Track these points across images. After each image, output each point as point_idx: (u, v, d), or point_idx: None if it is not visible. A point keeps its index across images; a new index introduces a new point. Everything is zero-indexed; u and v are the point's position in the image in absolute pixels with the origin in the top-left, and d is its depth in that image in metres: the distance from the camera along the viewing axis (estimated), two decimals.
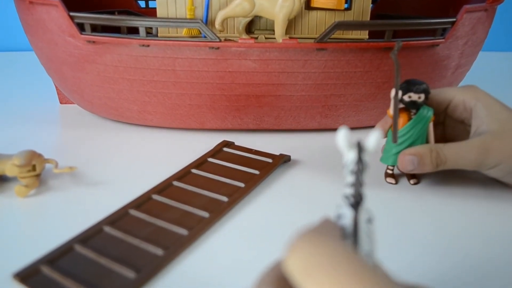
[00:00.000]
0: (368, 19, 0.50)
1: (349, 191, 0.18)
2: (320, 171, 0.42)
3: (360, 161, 0.18)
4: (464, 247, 0.31)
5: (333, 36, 0.43)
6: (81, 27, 0.44)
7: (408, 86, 0.37)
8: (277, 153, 0.44)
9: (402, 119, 0.38)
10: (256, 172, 0.40)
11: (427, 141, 0.38)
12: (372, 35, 0.50)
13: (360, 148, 0.18)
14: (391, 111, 0.37)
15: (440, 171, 0.38)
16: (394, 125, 0.35)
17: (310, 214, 0.35)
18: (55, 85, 0.58)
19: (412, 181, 0.40)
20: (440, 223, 0.34)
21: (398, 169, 0.39)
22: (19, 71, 0.77)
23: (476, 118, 0.37)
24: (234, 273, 0.29)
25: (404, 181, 0.40)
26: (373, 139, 0.18)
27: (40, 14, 0.45)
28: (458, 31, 0.46)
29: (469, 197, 0.38)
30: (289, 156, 0.44)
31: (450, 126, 0.41)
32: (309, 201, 0.37)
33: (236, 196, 0.36)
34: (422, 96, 0.37)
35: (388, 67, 0.45)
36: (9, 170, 0.36)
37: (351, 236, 0.18)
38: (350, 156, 0.18)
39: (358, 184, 0.18)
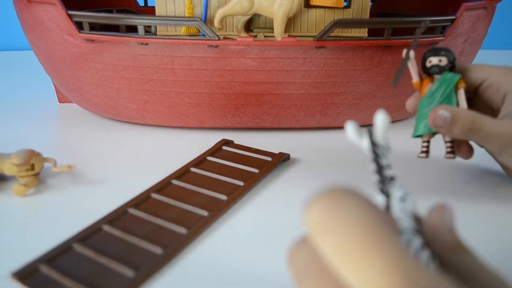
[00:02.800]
0: (368, 17, 0.50)
1: (375, 178, 0.19)
2: (319, 169, 0.42)
3: (374, 146, 0.19)
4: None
5: (332, 34, 0.43)
6: (79, 26, 0.44)
7: (427, 52, 0.36)
8: (277, 152, 0.44)
9: (426, 86, 0.36)
10: (256, 170, 0.40)
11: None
12: (371, 33, 0.50)
13: (370, 134, 0.19)
14: (413, 78, 0.36)
15: (437, 166, 0.37)
16: (400, 69, 0.35)
17: None
18: (54, 84, 0.58)
19: (447, 155, 0.35)
20: None
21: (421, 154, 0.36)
22: (18, 70, 0.77)
23: (511, 104, 0.34)
24: (233, 272, 0.29)
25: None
26: (379, 120, 0.19)
27: (38, 12, 0.45)
28: (458, 29, 0.46)
29: (473, 197, 0.38)
30: (289, 155, 0.44)
31: (476, 106, 0.37)
32: (309, 200, 0.37)
33: (235, 195, 0.36)
34: (444, 59, 0.35)
35: (388, 65, 0.45)
36: (8, 169, 0.36)
37: None
38: (364, 145, 0.19)
39: (380, 170, 0.18)
